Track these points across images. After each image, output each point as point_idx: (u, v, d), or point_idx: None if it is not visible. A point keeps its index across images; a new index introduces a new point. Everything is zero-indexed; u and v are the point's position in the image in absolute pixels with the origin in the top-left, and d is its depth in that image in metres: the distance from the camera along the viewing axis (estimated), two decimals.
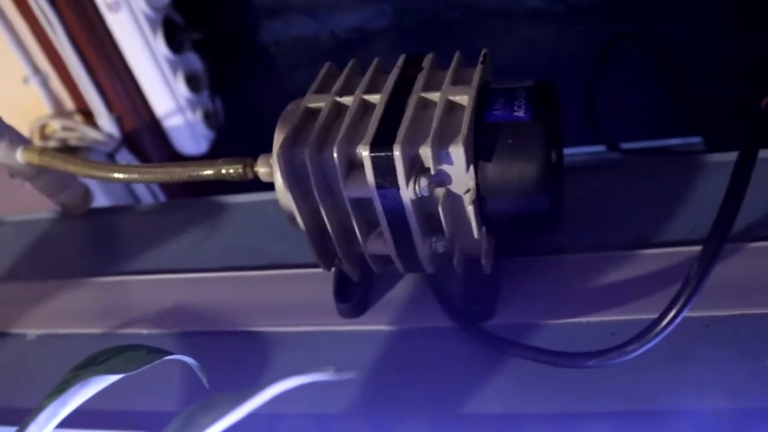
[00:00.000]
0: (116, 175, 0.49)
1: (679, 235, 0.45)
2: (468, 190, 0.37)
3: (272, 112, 1.07)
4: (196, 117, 0.92)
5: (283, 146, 0.38)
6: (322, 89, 0.43)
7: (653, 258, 0.44)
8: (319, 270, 0.49)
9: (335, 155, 0.37)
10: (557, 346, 0.39)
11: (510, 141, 0.37)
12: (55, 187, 0.56)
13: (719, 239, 0.33)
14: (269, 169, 0.44)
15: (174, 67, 0.88)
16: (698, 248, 0.42)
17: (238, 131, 1.02)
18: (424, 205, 0.38)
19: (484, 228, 0.39)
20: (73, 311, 0.53)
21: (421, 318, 0.44)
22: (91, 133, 0.89)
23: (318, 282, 0.48)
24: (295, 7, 0.96)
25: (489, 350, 0.41)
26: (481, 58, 0.41)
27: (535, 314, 0.43)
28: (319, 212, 0.40)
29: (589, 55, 0.89)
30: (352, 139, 0.38)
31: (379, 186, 0.37)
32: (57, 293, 0.54)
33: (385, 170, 0.37)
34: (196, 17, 0.92)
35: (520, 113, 0.37)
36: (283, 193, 0.41)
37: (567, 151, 0.44)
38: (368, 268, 0.44)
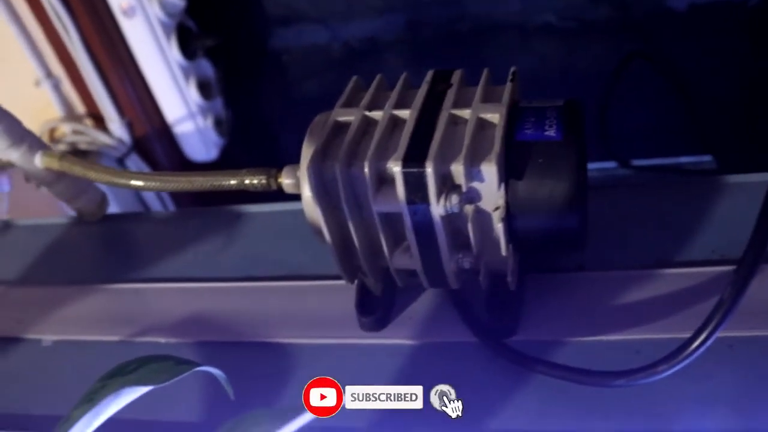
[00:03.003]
0: (137, 182, 0.49)
1: (700, 255, 0.45)
2: (497, 208, 0.37)
3: (281, 120, 1.08)
4: (207, 124, 0.92)
5: (314, 159, 0.38)
6: (350, 103, 0.43)
7: (675, 278, 0.44)
8: (338, 282, 0.49)
9: (366, 170, 0.37)
10: (580, 364, 0.39)
11: (541, 160, 0.37)
12: (72, 192, 0.56)
13: (753, 261, 0.33)
14: (294, 180, 0.44)
15: (186, 73, 0.88)
16: (720, 269, 0.44)
17: (247, 138, 1.02)
18: (453, 221, 0.38)
19: (510, 245, 0.39)
20: (88, 318, 0.52)
21: (444, 333, 0.44)
22: (102, 138, 0.89)
23: (337, 294, 0.48)
24: (308, 17, 0.96)
25: (512, 366, 0.41)
26: (510, 76, 0.41)
27: (557, 331, 0.43)
28: (346, 225, 0.40)
29: (600, 71, 0.89)
30: (383, 154, 0.38)
31: (409, 202, 0.37)
32: (72, 299, 0.54)
33: (416, 186, 0.37)
34: (209, 24, 0.92)
35: (551, 132, 0.37)
36: (310, 206, 0.41)
37: None
38: (390, 282, 0.44)
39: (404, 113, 0.40)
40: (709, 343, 0.33)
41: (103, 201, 0.59)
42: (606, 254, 0.46)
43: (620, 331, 0.42)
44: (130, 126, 0.90)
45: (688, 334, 0.39)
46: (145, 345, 0.49)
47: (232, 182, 0.46)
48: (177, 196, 0.94)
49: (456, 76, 0.42)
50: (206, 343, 0.48)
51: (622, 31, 0.92)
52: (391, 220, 0.40)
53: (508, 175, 0.37)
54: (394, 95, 0.42)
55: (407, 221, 0.38)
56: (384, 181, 0.38)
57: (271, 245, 0.54)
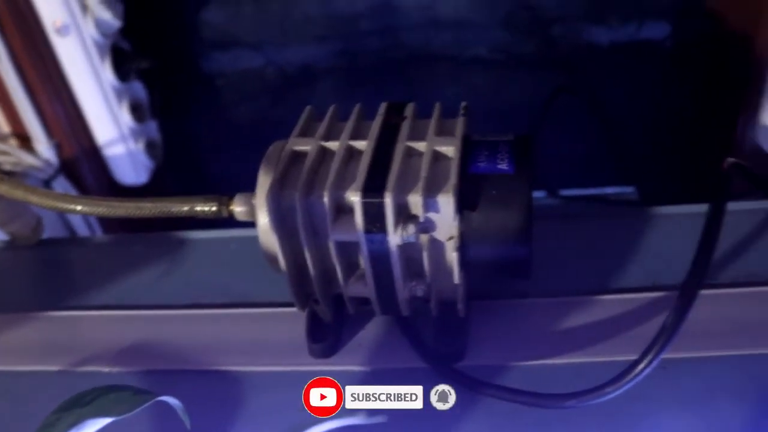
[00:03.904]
0: (82, 207, 0.48)
1: (635, 282, 0.48)
2: (451, 237, 0.39)
3: (212, 144, 1.06)
4: (138, 147, 0.90)
5: (272, 188, 0.39)
6: (305, 133, 0.44)
7: (613, 303, 0.46)
8: (284, 309, 0.49)
9: (325, 200, 0.38)
10: (526, 387, 0.41)
11: (494, 192, 0.38)
12: (6, 216, 0.54)
13: (693, 288, 0.35)
14: (247, 208, 0.44)
15: (119, 95, 0.86)
16: (654, 294, 0.46)
17: (177, 162, 1.01)
18: (407, 250, 0.39)
19: (462, 273, 0.41)
20: (24, 347, 0.50)
21: (393, 359, 0.45)
22: (27, 159, 0.86)
23: (284, 321, 0.48)
24: (243, 41, 0.97)
25: (461, 390, 0.42)
26: (462, 111, 0.43)
27: (503, 356, 0.44)
28: (302, 253, 0.41)
29: (528, 103, 0.93)
30: (341, 184, 0.39)
31: (367, 231, 0.38)
32: (6, 327, 0.52)
33: (374, 216, 0.38)
34: (143, 45, 0.91)
35: (504, 166, 0.39)
36: (266, 234, 0.41)
37: None
38: (340, 309, 0.45)
39: (360, 144, 0.41)
40: (653, 365, 0.35)
41: (38, 225, 0.57)
42: (546, 281, 0.48)
43: (563, 354, 0.44)
44: (58, 147, 0.87)
45: (626, 357, 0.41)
46: (86, 374, 0.48)
47: (183, 209, 0.46)
48: (105, 222, 0.92)
49: (409, 109, 0.44)
50: (152, 371, 0.47)
51: (549, 65, 0.96)
52: (347, 249, 0.40)
53: (463, 206, 0.38)
54: (349, 126, 0.43)
55: (364, 250, 0.39)
56: (342, 210, 0.39)
57: (216, 272, 0.54)
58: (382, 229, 0.38)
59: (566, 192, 0.95)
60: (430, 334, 0.45)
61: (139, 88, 0.91)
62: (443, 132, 0.42)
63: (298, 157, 0.42)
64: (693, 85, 0.92)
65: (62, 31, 0.79)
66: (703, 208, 0.51)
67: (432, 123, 0.42)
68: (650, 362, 0.35)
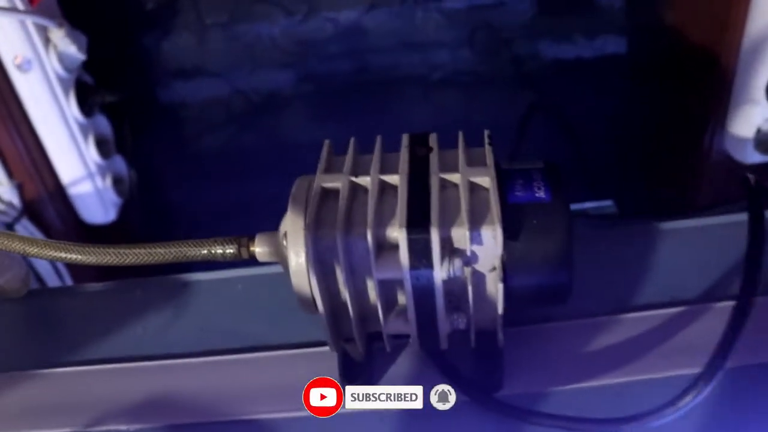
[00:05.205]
0: (88, 258, 0.45)
1: (654, 298, 0.48)
2: (494, 268, 0.38)
3: (180, 176, 1.03)
4: (106, 183, 0.87)
5: (310, 228, 0.38)
6: (330, 168, 0.42)
7: (637, 321, 0.47)
8: (303, 350, 0.48)
9: (369, 237, 0.37)
10: (567, 412, 0.41)
11: (535, 221, 0.38)
12: None
13: (747, 301, 0.36)
14: (270, 248, 0.43)
15: (84, 131, 0.82)
16: (676, 310, 0.47)
17: (143, 196, 0.97)
18: (449, 284, 0.39)
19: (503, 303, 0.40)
20: (31, 409, 0.47)
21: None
22: None
23: (304, 362, 0.47)
24: (209, 70, 0.95)
25: (502, 421, 0.42)
26: (487, 140, 0.42)
27: (539, 382, 0.44)
28: (338, 293, 0.40)
29: (498, 120, 0.95)
30: (380, 220, 0.38)
31: (413, 267, 0.37)
32: (6, 389, 0.49)
33: (420, 252, 0.37)
34: (106, 78, 0.87)
35: (541, 194, 0.39)
36: (301, 275, 0.40)
37: None
38: (371, 347, 0.44)
39: (392, 178, 0.40)
40: (714, 382, 0.35)
41: (27, 276, 0.54)
42: (568, 304, 0.48)
43: (598, 376, 0.44)
44: (20, 188, 0.83)
45: (659, 375, 0.42)
46: None
47: (201, 252, 0.44)
48: (75, 269, 0.88)
49: (433, 140, 0.43)
50: (175, 426, 0.45)
51: (516, 83, 0.98)
52: (388, 286, 0.40)
53: (505, 236, 0.38)
54: (376, 160, 0.42)
55: (408, 287, 0.38)
56: (383, 247, 0.38)
57: (226, 316, 0.52)
58: (429, 265, 0.37)
59: None
60: (462, 365, 0.44)
61: (103, 123, 0.88)
62: (473, 162, 0.41)
63: (328, 194, 0.41)
64: (660, 96, 0.95)
65: (24, 66, 0.75)
66: (700, 222, 0.53)
67: (460, 153, 0.42)
68: (711, 377, 0.35)
